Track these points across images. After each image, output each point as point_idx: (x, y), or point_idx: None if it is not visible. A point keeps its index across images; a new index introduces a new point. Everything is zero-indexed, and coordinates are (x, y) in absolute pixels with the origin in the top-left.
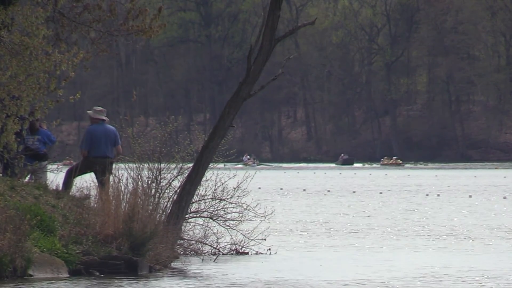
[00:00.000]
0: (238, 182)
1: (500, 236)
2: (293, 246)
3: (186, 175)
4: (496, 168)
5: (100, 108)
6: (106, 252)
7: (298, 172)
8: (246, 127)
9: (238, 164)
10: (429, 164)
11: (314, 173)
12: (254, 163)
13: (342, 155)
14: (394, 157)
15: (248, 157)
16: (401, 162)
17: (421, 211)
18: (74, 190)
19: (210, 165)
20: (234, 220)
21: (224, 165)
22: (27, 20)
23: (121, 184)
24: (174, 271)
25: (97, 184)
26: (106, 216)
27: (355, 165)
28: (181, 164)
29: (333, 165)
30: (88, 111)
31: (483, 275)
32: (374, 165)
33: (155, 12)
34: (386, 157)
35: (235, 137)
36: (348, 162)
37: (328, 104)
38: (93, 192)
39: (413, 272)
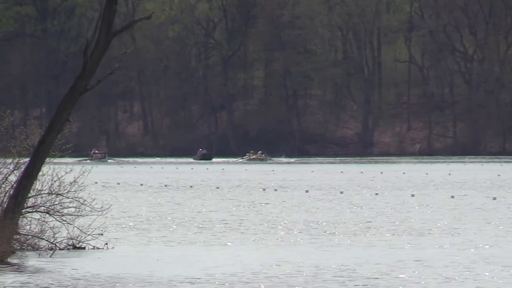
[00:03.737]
0: (75, 177)
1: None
2: (131, 241)
3: (23, 169)
4: (332, 162)
5: None
6: None
7: (135, 167)
8: (83, 121)
9: (86, 159)
10: (292, 159)
11: (151, 167)
12: (105, 157)
13: (200, 149)
14: (259, 152)
15: (97, 151)
16: (264, 157)
17: (265, 206)
18: None
19: (46, 160)
20: (71, 215)
21: (80, 160)
22: None
23: None
24: (10, 267)
25: None
26: None
27: (214, 159)
28: (17, 159)
29: (191, 159)
30: None
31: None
32: (239, 160)
33: None
34: (252, 151)
35: (71, 131)
36: (206, 157)
37: (165, 98)
38: None
39: (253, 267)
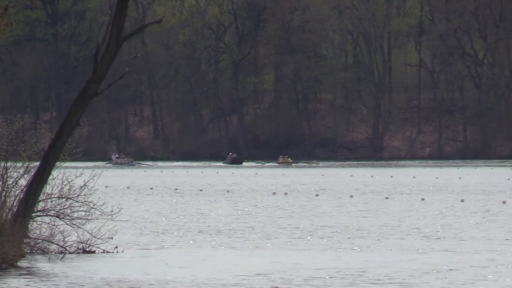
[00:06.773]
0: (84, 181)
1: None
2: (140, 245)
3: (33, 173)
4: (342, 166)
5: None
6: None
7: (145, 171)
8: (93, 125)
9: (109, 163)
10: (315, 163)
11: (162, 171)
12: (132, 162)
13: (230, 153)
14: (286, 156)
15: (117, 155)
16: (291, 161)
17: (274, 210)
18: None
19: (56, 164)
20: (81, 218)
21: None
22: None
23: None
24: (20, 270)
25: None
26: None
27: (244, 164)
28: (27, 163)
29: (220, 163)
30: None
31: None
32: (271, 164)
33: (1, 11)
34: (281, 156)
35: (81, 135)
36: (237, 161)
37: (175, 102)
38: None
39: (254, 271)
